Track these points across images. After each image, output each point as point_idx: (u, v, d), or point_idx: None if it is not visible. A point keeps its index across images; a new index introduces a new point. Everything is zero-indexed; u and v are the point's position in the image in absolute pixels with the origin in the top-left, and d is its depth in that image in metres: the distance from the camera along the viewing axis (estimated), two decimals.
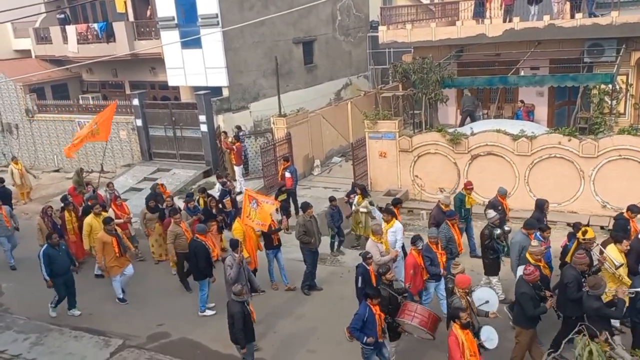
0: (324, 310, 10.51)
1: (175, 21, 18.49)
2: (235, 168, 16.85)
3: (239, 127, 17.65)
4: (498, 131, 14.02)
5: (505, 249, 9.75)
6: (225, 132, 17.59)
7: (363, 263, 9.08)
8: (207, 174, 18.33)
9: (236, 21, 17.25)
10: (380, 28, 19.04)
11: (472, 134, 14.32)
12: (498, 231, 9.68)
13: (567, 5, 16.55)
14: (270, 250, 11.19)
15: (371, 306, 7.60)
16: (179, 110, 19.07)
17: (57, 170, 21.54)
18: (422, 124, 16.95)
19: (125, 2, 21.22)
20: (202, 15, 17.91)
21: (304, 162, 17.83)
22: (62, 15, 22.63)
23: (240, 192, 14.70)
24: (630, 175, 12.71)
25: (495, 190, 11.84)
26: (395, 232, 10.42)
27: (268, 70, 19.41)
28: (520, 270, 8.37)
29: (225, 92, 18.58)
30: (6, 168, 20.88)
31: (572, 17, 16.14)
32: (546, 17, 16.28)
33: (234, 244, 9.65)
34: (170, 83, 19.87)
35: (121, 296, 11.27)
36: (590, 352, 4.48)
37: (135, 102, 19.29)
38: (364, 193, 12.76)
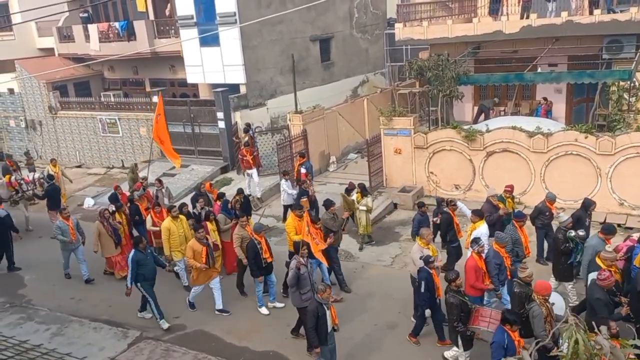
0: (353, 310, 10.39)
1: (194, 19, 18.76)
2: (253, 171, 16.08)
3: (248, 125, 17.77)
4: (514, 128, 13.96)
5: (580, 255, 9.23)
6: (246, 142, 16.65)
7: (426, 267, 8.60)
8: (224, 169, 18.59)
9: (254, 19, 17.41)
10: (397, 25, 19.05)
11: (488, 131, 14.28)
12: (572, 234, 9.22)
13: (586, 1, 16.34)
14: (314, 260, 10.23)
15: (510, 332, 6.95)
16: (197, 107, 19.36)
17: (79, 166, 22.02)
18: (438, 121, 16.95)
19: (145, 1, 21.55)
20: (220, 14, 18.13)
21: (320, 158, 17.96)
22: (85, 14, 23.08)
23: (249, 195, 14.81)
24: None
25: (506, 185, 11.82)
26: (480, 236, 9.51)
27: (285, 67, 19.57)
28: (593, 275, 8.04)
29: (243, 89, 18.80)
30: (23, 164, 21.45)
31: (591, 13, 15.96)
32: (564, 14, 16.12)
33: (296, 247, 9.30)
34: (189, 80, 20.17)
35: (199, 303, 10.77)
36: (576, 342, 4.50)
37: (155, 99, 19.62)
38: (364, 191, 12.72)
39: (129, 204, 13.08)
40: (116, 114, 20.92)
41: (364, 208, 12.64)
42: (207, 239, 10.25)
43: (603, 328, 5.49)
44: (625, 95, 15.89)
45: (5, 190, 14.70)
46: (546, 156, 13.64)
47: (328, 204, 11.22)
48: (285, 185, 14.21)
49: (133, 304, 11.22)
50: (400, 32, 18.81)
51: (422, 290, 8.52)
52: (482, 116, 18.14)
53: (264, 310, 10.48)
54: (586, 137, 13.10)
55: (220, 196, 12.88)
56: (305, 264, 8.96)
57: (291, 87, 18.82)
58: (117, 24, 21.78)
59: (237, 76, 18.65)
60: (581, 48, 16.53)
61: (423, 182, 15.38)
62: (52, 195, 14.93)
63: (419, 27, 18.55)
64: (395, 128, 15.42)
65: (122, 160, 21.23)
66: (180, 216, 11.35)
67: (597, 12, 15.77)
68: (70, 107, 22.20)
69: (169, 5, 21.19)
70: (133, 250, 10.07)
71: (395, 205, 15.13)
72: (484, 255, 8.88)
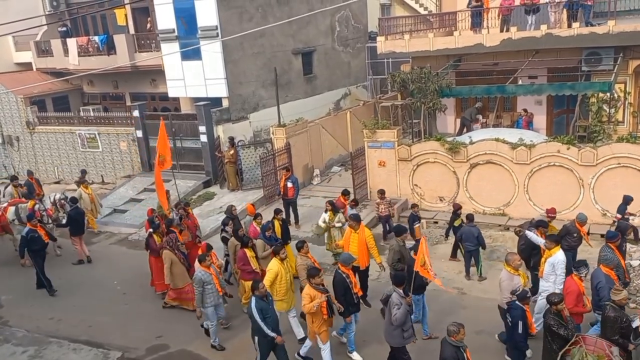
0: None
1: (176, 33, 18.61)
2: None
3: (231, 138, 17.62)
4: (497, 140, 14.05)
5: None
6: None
7: (518, 303, 7.61)
8: (207, 184, 18.36)
9: (235, 33, 17.35)
10: (379, 38, 19.15)
11: (471, 143, 14.35)
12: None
13: (564, 15, 16.62)
14: (420, 295, 9.44)
15: None
16: (179, 121, 19.14)
17: (57, 182, 21.56)
18: (421, 133, 16.99)
19: (125, 15, 21.40)
20: (202, 27, 18.02)
21: (304, 171, 17.85)
22: (64, 28, 22.78)
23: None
24: (630, 183, 12.69)
25: (495, 197, 11.83)
26: (555, 263, 8.65)
27: (267, 80, 19.50)
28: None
29: (225, 103, 18.65)
30: (6, 180, 20.97)
31: (569, 26, 16.21)
32: (543, 27, 16.35)
33: (399, 280, 8.15)
34: (171, 94, 19.96)
35: None
36: None
37: (136, 113, 19.38)
38: (334, 209, 12.27)
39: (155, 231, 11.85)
40: (96, 129, 20.60)
41: (339, 224, 12.10)
42: (323, 285, 8.50)
43: (615, 349, 5.39)
44: (605, 107, 16.17)
45: (27, 214, 13.47)
46: (529, 167, 13.73)
47: (401, 230, 9.97)
48: (325, 216, 12.59)
49: (113, 324, 10.95)
50: (382, 45, 18.91)
51: (520, 331, 7.55)
52: (465, 129, 18.25)
53: (356, 357, 9.10)
54: (568, 149, 13.23)
55: (256, 217, 11.83)
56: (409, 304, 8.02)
57: (274, 100, 18.74)
58: (96, 38, 21.52)
59: (219, 90, 18.50)
60: (561, 60, 16.79)
61: (407, 195, 15.36)
62: (75, 220, 13.81)
63: (400, 40, 18.66)
64: (379, 140, 15.41)
65: (102, 176, 20.87)
66: (285, 253, 9.46)
67: (575, 25, 16.03)
68: (48, 122, 21.81)
69: (149, 19, 21.03)
70: (253, 298, 8.19)
71: (379, 218, 15.02)
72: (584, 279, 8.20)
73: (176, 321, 10.83)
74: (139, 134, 19.53)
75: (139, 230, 16.00)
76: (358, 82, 24.48)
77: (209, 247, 10.24)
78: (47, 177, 21.93)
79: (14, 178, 16.93)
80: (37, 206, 13.81)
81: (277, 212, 11.94)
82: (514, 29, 16.81)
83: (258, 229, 11.36)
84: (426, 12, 27.23)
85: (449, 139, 14.88)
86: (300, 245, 9.60)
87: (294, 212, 14.85)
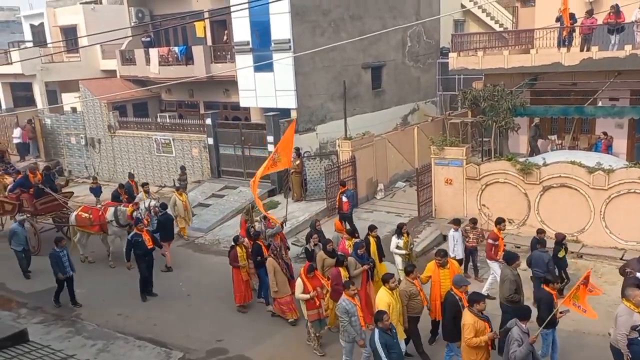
0: None
1: (250, 45, 19.21)
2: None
3: (297, 149, 17.85)
4: (572, 162, 13.43)
5: None
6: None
7: None
8: (271, 192, 18.70)
9: (307, 46, 17.69)
10: (451, 54, 18.88)
11: (545, 165, 13.80)
12: None
13: None
14: (550, 330, 8.54)
15: None
16: (248, 130, 19.67)
17: None
18: (491, 152, 16.54)
19: (204, 28, 22.31)
20: (276, 40, 18.49)
21: (368, 185, 17.80)
22: (148, 39, 24.06)
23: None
24: None
25: (568, 223, 11.24)
26: None
27: (336, 93, 19.68)
28: None
29: (294, 114, 18.98)
30: (87, 180, 22.29)
31: None
32: (628, 47, 15.53)
33: (524, 314, 7.39)
34: (242, 104, 20.57)
35: None
36: None
37: (208, 121, 20.09)
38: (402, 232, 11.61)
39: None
40: (170, 135, 21.52)
41: (405, 251, 11.48)
42: (482, 312, 7.69)
43: None
44: None
45: (124, 218, 14.07)
46: (607, 193, 13.00)
47: (512, 257, 9.20)
48: (456, 235, 12.13)
49: (177, 324, 11.33)
50: (454, 61, 18.62)
51: None
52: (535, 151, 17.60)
53: None
54: None
55: (351, 233, 11.47)
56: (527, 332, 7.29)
57: (341, 113, 18.88)
58: (176, 49, 22.55)
59: (288, 101, 18.87)
60: None
61: (474, 214, 14.89)
62: (165, 226, 14.01)
63: (473, 56, 18.31)
64: (446, 158, 15.13)
65: (173, 180, 21.72)
66: (395, 282, 8.72)
67: None
68: (128, 127, 23.01)
69: (226, 31, 21.82)
70: (376, 331, 7.55)
71: (444, 237, 14.73)
72: None
73: (237, 326, 11.06)
74: (210, 141, 20.21)
75: (205, 234, 16.52)
76: (427, 97, 24.20)
77: (312, 268, 9.99)
78: (124, 178, 23.08)
79: (177, 188, 16.94)
80: (135, 213, 13.86)
81: (371, 228, 11.32)
82: (595, 49, 16.06)
83: (349, 247, 10.92)
84: (501, 29, 26.62)
85: (521, 159, 14.38)
86: (410, 270, 9.00)
87: (351, 226, 14.75)
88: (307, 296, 9.68)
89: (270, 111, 18.86)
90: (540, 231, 11.23)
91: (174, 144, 21.41)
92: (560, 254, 11.22)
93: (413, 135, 19.40)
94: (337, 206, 15.07)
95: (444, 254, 9.48)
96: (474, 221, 12.27)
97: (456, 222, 12.24)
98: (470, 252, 12.36)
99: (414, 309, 8.94)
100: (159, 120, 23.07)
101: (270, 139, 18.55)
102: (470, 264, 12.53)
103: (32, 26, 29.58)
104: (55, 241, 12.16)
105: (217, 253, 15.18)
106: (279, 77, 18.78)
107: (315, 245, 11.44)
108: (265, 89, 19.20)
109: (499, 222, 11.48)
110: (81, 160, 24.40)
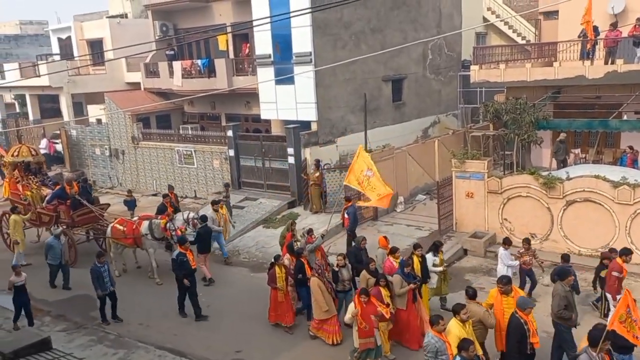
0: None
1: (271, 58, 19.42)
2: None
3: (317, 161, 17.90)
4: (597, 177, 13.22)
5: None
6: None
7: None
8: (291, 204, 18.74)
9: (328, 59, 17.79)
10: (472, 67, 18.83)
11: (568, 179, 13.61)
12: None
13: None
14: (627, 356, 8.02)
15: None
16: (269, 142, 19.80)
17: (154, 194, 22.96)
18: (513, 166, 16.37)
19: (227, 41, 22.64)
20: (297, 54, 18.66)
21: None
22: (172, 52, 24.50)
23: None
24: None
25: (592, 238, 11.01)
26: None
27: (357, 106, 19.73)
28: None
29: (314, 127, 19.07)
30: (110, 190, 22.66)
31: None
32: None
33: (594, 340, 6.78)
34: (263, 116, 20.75)
35: None
36: None
37: (230, 133, 20.29)
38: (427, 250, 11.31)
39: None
40: (192, 146, 21.78)
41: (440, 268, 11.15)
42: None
43: None
44: None
45: (159, 230, 13.88)
46: (632, 209, 12.76)
47: (565, 273, 8.79)
48: (504, 254, 11.50)
49: (197, 335, 11.39)
50: (476, 74, 18.56)
51: None
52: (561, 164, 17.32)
53: None
54: None
55: (394, 251, 10.95)
56: None
57: (361, 125, 18.91)
58: (199, 62, 22.90)
59: (309, 113, 18.98)
60: None
61: (496, 229, 14.77)
62: (204, 239, 13.84)
63: (495, 69, 18.23)
64: (467, 171, 15.02)
65: (194, 191, 21.96)
66: (467, 314, 7.86)
67: None
68: (151, 138, 23.37)
69: (247, 44, 22.10)
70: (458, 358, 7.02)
71: (465, 251, 14.59)
72: None
73: (256, 338, 11.06)
74: (231, 153, 20.40)
75: (225, 245, 16.58)
76: (448, 110, 24.10)
77: (365, 292, 9.30)
78: (147, 189, 23.43)
79: (215, 202, 15.91)
80: (168, 225, 13.75)
81: (416, 247, 11.03)
82: (620, 62, 15.87)
83: (395, 264, 10.52)
84: (524, 42, 26.45)
85: (544, 173, 14.21)
86: (472, 293, 8.49)
87: (348, 244, 14.35)
88: (350, 317, 9.18)
89: (290, 123, 18.97)
90: (566, 257, 10.80)
91: (196, 155, 21.66)
92: (603, 274, 10.77)
93: (434, 148, 19.32)
94: (341, 221, 15.02)
95: (506, 280, 8.73)
96: (528, 241, 11.66)
97: (507, 241, 11.56)
98: (527, 274, 11.66)
99: (481, 335, 8.31)
100: (181, 131, 23.39)
101: (290, 150, 18.65)
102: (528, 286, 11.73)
103: (59, 39, 30.42)
104: (96, 256, 11.99)
105: (236, 264, 15.27)
106: (299, 89, 18.92)
107: (343, 266, 10.79)
108: (286, 101, 19.35)
109: (626, 253, 10.24)
110: (105, 171, 24.83)
